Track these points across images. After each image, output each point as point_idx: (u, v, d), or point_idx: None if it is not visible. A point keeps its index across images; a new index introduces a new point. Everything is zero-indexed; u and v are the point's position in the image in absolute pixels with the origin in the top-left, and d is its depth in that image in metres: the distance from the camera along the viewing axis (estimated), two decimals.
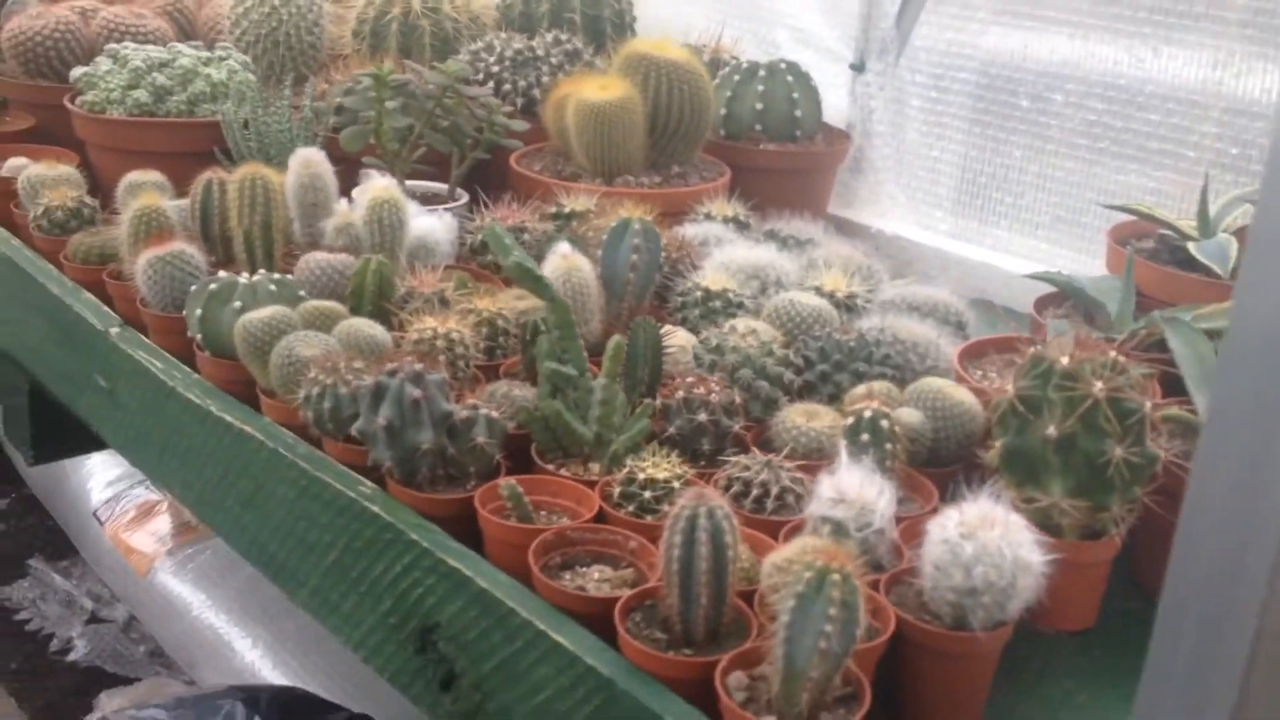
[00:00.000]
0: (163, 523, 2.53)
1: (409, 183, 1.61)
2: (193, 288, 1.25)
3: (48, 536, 2.82)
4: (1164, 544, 0.63)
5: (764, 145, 1.83)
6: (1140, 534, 1.03)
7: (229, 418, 1.17)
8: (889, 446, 1.05)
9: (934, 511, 0.98)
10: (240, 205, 1.36)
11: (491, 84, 1.84)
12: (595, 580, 0.95)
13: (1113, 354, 1.02)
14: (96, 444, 1.66)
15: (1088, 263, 1.76)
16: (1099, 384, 0.99)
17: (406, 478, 1.04)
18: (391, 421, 1.01)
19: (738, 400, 1.12)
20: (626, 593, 0.91)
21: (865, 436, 1.05)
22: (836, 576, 0.80)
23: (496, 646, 0.94)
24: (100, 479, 2.69)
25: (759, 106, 1.84)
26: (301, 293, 1.25)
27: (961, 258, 1.89)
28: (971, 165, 1.96)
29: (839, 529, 0.95)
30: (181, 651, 2.39)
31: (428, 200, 1.60)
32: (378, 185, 1.37)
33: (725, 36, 2.10)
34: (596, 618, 0.91)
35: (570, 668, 0.88)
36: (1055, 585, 0.91)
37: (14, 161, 1.63)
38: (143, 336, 1.32)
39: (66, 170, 1.57)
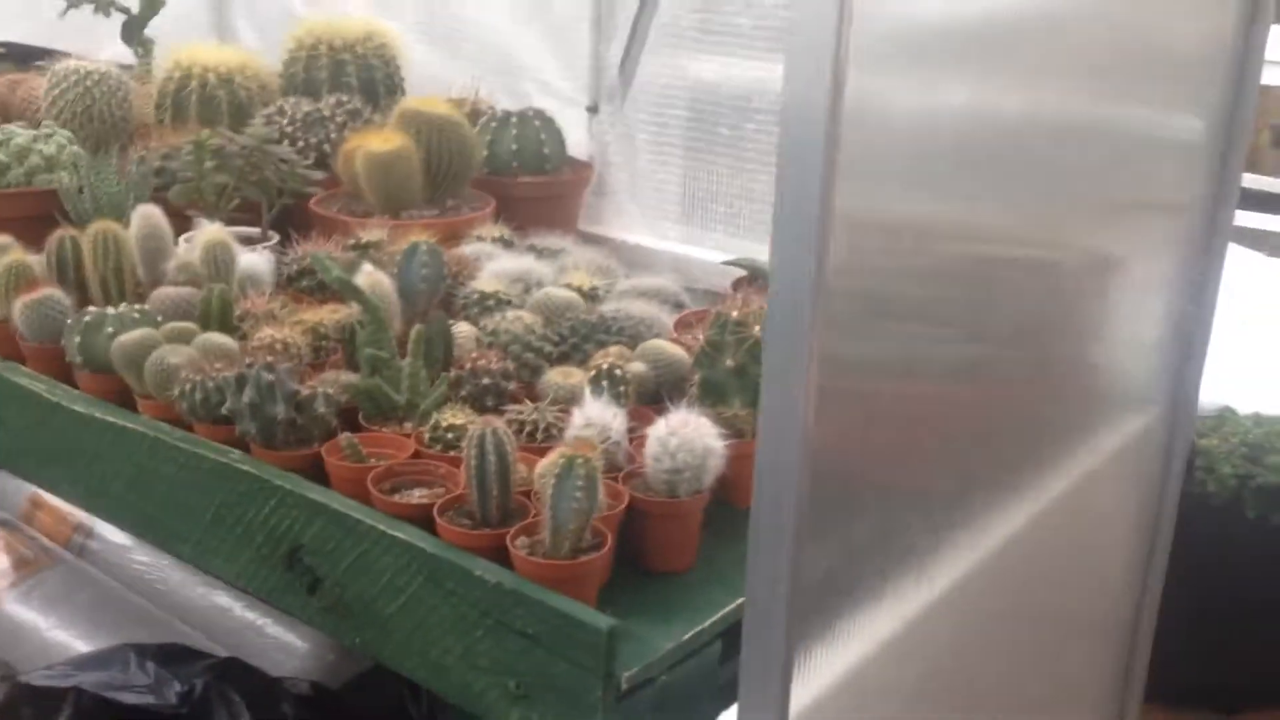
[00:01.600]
0: (0, 560, 2.73)
1: (228, 229, 1.94)
2: (69, 320, 1.56)
3: None
4: None
5: (521, 178, 2.24)
6: None
7: (113, 419, 1.49)
8: (621, 388, 1.46)
9: None
10: (95, 254, 1.67)
11: (287, 142, 2.18)
12: (417, 497, 1.32)
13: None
14: None
15: None
16: (758, 326, 1.43)
17: (267, 442, 1.39)
18: (253, 400, 1.36)
19: (511, 368, 1.52)
20: (440, 500, 1.29)
21: (604, 383, 1.46)
22: (581, 460, 1.20)
23: (348, 550, 1.30)
24: None
25: (514, 147, 2.25)
26: (159, 319, 1.58)
27: (686, 256, 2.33)
28: (690, 184, 2.42)
29: (590, 444, 1.35)
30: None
31: (246, 242, 1.93)
32: (209, 230, 1.71)
33: (482, 90, 2.50)
34: (420, 520, 1.28)
35: (404, 553, 1.25)
36: (738, 471, 1.33)
37: None
38: (21, 366, 1.61)
39: None
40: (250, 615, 2.32)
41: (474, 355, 1.51)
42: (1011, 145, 1.22)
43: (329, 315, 1.66)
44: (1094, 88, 1.35)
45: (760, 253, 2.29)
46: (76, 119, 2.13)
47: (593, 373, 1.47)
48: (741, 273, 1.89)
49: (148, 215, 1.73)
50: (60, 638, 2.50)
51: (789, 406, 0.95)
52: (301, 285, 1.83)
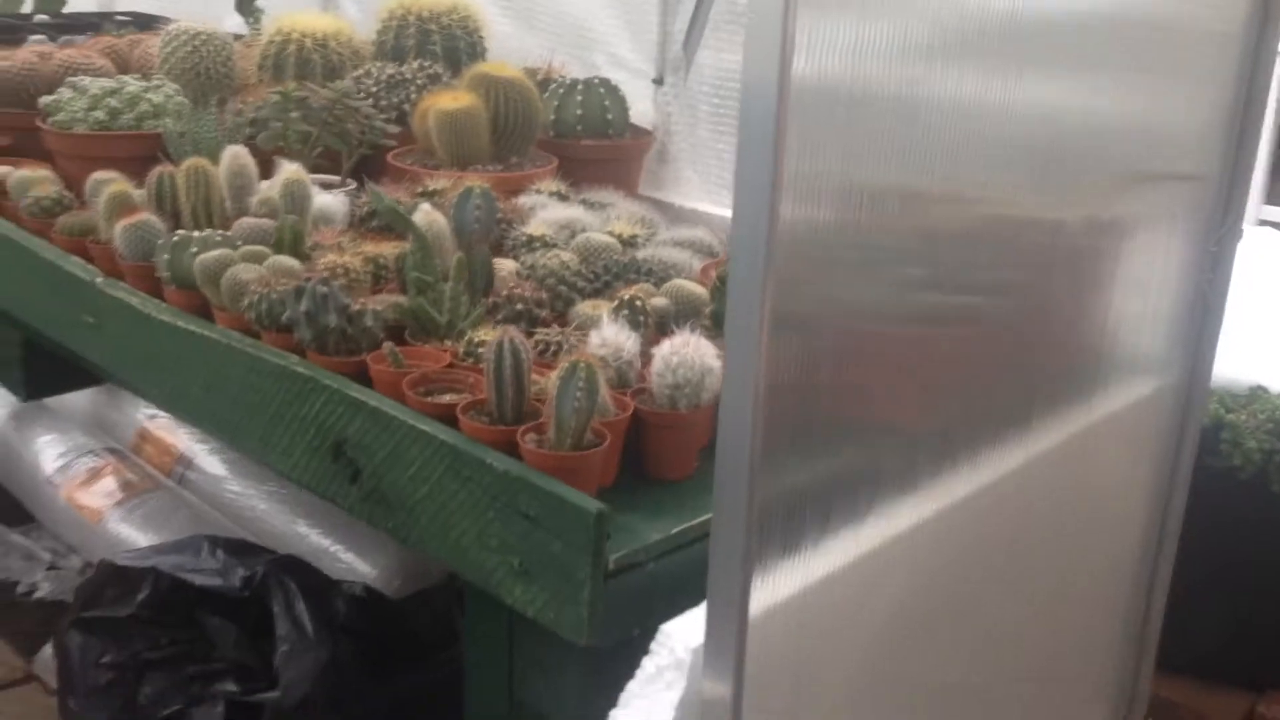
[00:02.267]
0: (109, 482, 2.98)
1: (311, 175, 2.13)
2: (160, 241, 1.76)
3: (5, 509, 3.24)
4: None
5: (584, 141, 2.39)
6: None
7: (193, 328, 1.68)
8: (641, 318, 1.61)
9: None
10: (188, 186, 1.87)
11: (371, 100, 2.37)
12: (447, 400, 1.49)
13: None
14: (75, 383, 2.15)
15: None
16: None
17: (320, 349, 1.56)
18: (309, 309, 1.54)
19: (545, 297, 1.67)
20: (464, 401, 1.45)
21: (625, 311, 1.61)
22: (584, 365, 1.35)
23: (384, 443, 1.46)
24: (50, 453, 3.13)
25: (579, 112, 2.40)
26: (239, 244, 1.77)
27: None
28: None
29: (603, 360, 1.50)
30: None
31: (325, 186, 2.12)
32: (289, 169, 1.89)
33: (556, 61, 2.67)
34: (447, 419, 1.44)
35: (430, 445, 1.42)
36: None
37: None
38: (121, 282, 1.82)
39: (44, 173, 2.06)
40: (325, 541, 2.52)
41: (512, 285, 1.67)
42: (996, 116, 1.33)
43: (389, 248, 1.83)
44: (1102, 56, 1.44)
45: None
46: (185, 74, 2.36)
47: (615, 303, 1.62)
48: None
49: (236, 154, 1.93)
50: None
51: (747, 339, 1.08)
52: (371, 225, 2.01)
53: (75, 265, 1.87)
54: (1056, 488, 1.66)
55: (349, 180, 2.18)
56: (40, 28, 3.13)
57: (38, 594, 2.90)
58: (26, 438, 3.18)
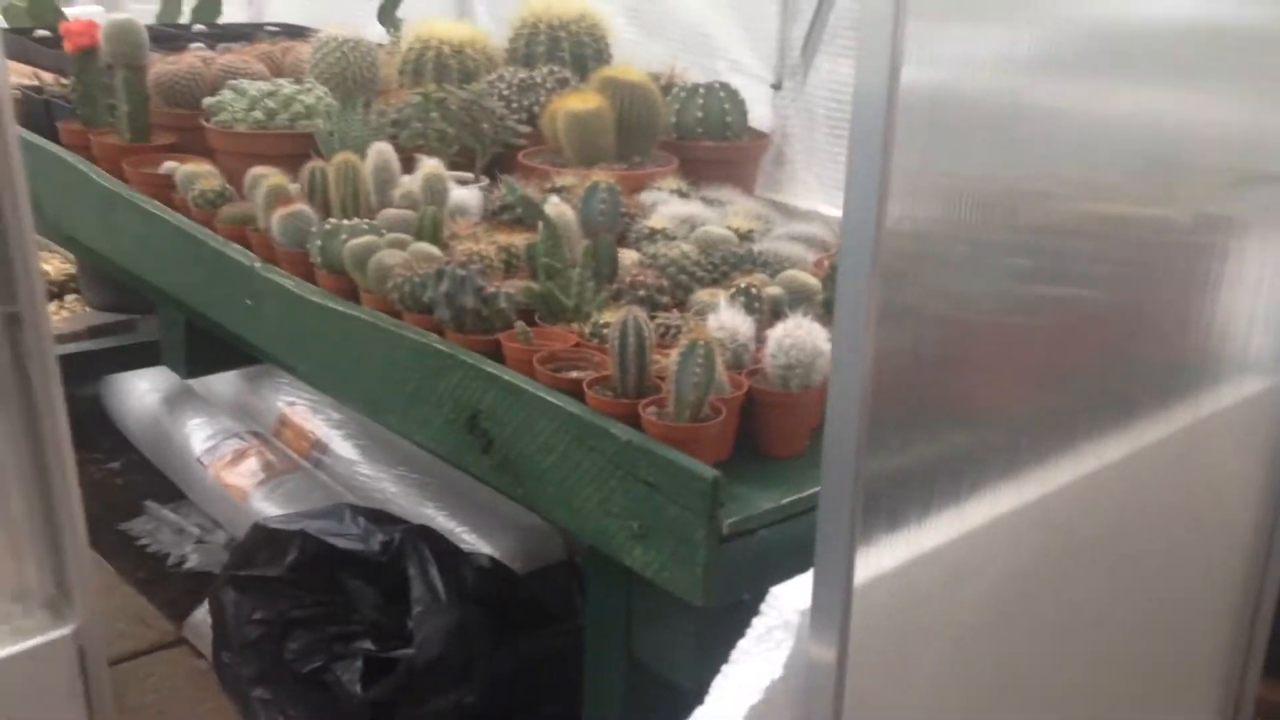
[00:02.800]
0: (253, 463, 3.17)
1: (448, 171, 2.27)
2: (313, 229, 1.91)
3: (157, 487, 3.47)
4: None
5: (703, 142, 2.50)
6: None
7: (342, 308, 1.83)
8: (756, 304, 1.70)
9: None
10: (338, 180, 2.02)
11: (503, 103, 2.51)
12: (573, 375, 1.60)
13: None
14: (231, 363, 2.32)
15: None
16: None
17: (458, 328, 1.69)
18: (448, 290, 1.67)
19: (665, 285, 1.78)
20: (590, 377, 1.56)
21: (741, 298, 1.70)
22: (702, 343, 1.45)
23: (515, 415, 1.58)
24: (199, 435, 3.35)
25: (700, 115, 2.51)
26: (384, 231, 1.91)
27: None
28: None
29: (720, 342, 1.60)
30: None
31: (461, 183, 2.26)
32: (429, 164, 2.04)
33: (678, 66, 2.77)
34: (573, 393, 1.55)
35: (558, 417, 1.53)
36: None
37: (168, 164, 2.30)
38: (277, 267, 1.98)
39: (208, 168, 2.24)
40: (451, 523, 2.66)
41: (634, 273, 1.78)
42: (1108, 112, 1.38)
43: (520, 239, 1.96)
44: (1207, 62, 1.49)
45: None
46: (334, 78, 2.53)
47: (732, 290, 1.71)
48: None
49: (381, 150, 2.08)
50: None
51: (855, 326, 1.16)
52: (503, 218, 2.14)
53: (236, 252, 2.04)
54: (1161, 483, 1.69)
55: (483, 176, 2.31)
56: (198, 36, 3.36)
57: (187, 565, 3.10)
58: (178, 420, 3.41)
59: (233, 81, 2.41)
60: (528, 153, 2.40)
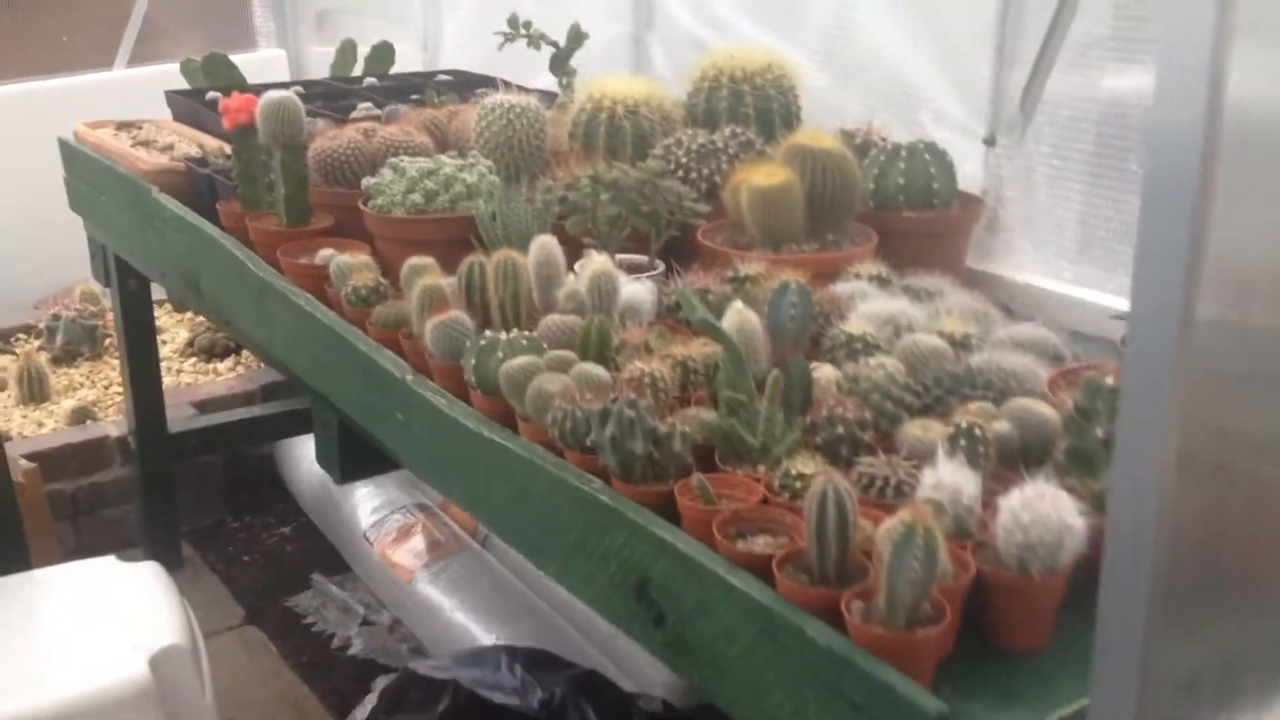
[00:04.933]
0: (419, 541, 3.04)
1: (618, 255, 2.05)
2: (467, 343, 1.71)
3: (324, 556, 3.39)
4: None
5: (905, 213, 2.20)
6: None
7: (497, 438, 1.62)
8: (980, 449, 1.41)
9: None
10: (496, 279, 1.82)
11: (680, 172, 2.27)
12: (760, 545, 1.35)
13: None
14: (386, 467, 2.15)
15: None
16: None
17: (625, 476, 1.46)
18: (615, 434, 1.43)
19: (868, 417, 1.50)
20: (781, 551, 1.30)
21: (962, 441, 1.41)
22: (922, 529, 1.17)
23: (691, 591, 1.34)
24: (366, 506, 3.24)
25: (901, 181, 2.21)
26: (544, 345, 1.70)
27: (1080, 300, 2.20)
28: (1091, 220, 2.29)
29: (938, 508, 1.32)
30: (437, 647, 2.88)
31: (632, 269, 2.03)
32: (596, 261, 1.81)
33: (876, 119, 2.48)
34: (760, 569, 1.30)
35: (742, 602, 1.28)
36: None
37: (324, 252, 2.14)
38: (429, 381, 1.79)
39: (364, 259, 2.08)
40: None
41: (832, 403, 1.51)
42: None
43: (699, 349, 1.71)
44: None
45: None
46: (499, 148, 2.34)
47: (951, 430, 1.43)
48: None
49: (544, 244, 1.86)
50: (460, 620, 2.75)
51: (1143, 475, 0.88)
52: (679, 316, 1.90)
53: (388, 360, 1.86)
54: None
55: (657, 262, 2.08)
56: (367, 93, 3.24)
57: (351, 650, 2.99)
58: (347, 489, 3.30)
59: (394, 159, 2.24)
60: (707, 230, 2.16)
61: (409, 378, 1.81)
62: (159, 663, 2.21)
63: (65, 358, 3.99)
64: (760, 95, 2.48)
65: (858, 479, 1.42)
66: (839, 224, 2.13)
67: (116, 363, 3.79)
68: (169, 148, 2.91)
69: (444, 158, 2.25)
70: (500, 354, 1.66)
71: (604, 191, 1.99)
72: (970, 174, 2.37)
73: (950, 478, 1.33)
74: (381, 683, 2.75)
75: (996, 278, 2.34)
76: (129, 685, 2.17)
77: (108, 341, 4.06)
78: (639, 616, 1.42)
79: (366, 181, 2.23)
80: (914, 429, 1.51)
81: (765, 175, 2.06)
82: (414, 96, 3.20)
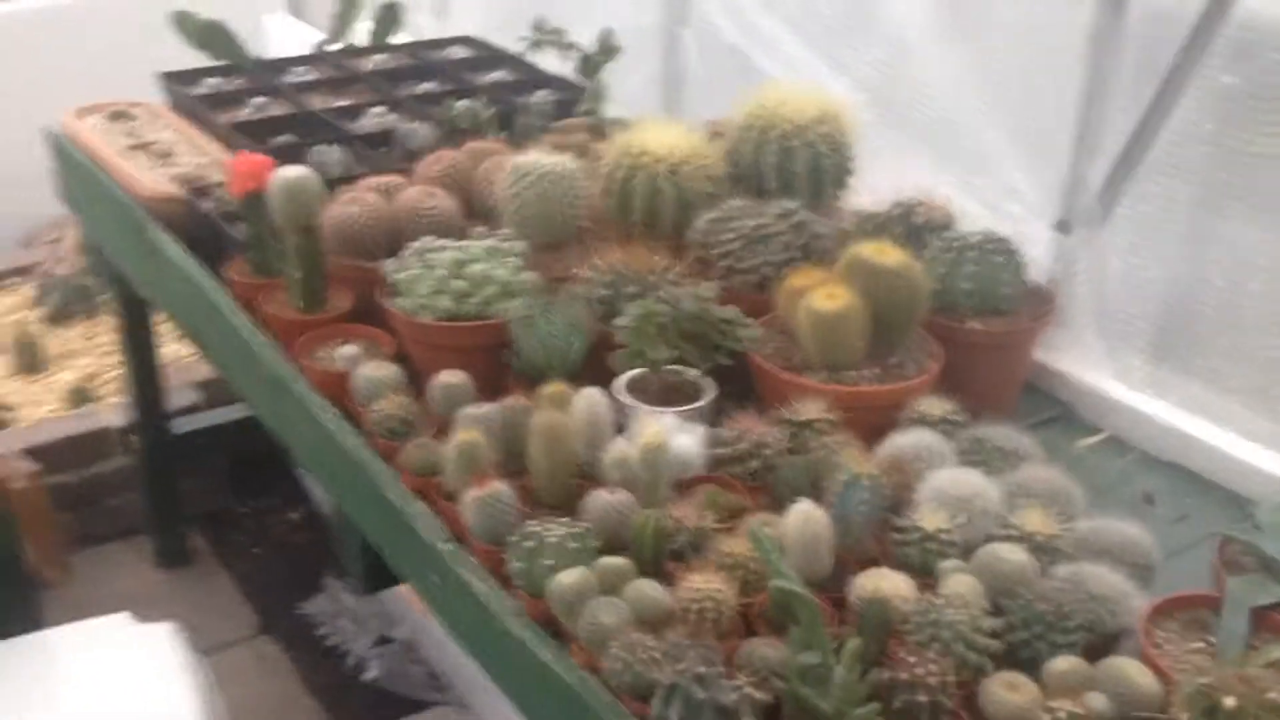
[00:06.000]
0: None
1: (664, 371, 1.89)
2: (510, 539, 1.58)
3: (336, 552, 3.30)
4: None
5: (971, 323, 2.04)
6: None
7: (547, 660, 1.50)
8: None
9: None
10: (540, 444, 1.68)
11: (729, 259, 2.10)
12: None
13: (1274, 696, 1.25)
14: None
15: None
16: None
17: None
18: (681, 715, 1.33)
19: (951, 680, 1.40)
20: None
21: None
22: None
23: None
24: None
25: (968, 286, 2.04)
26: (594, 543, 1.57)
27: (1150, 416, 2.07)
28: (1168, 321, 2.14)
29: None
30: (454, 677, 2.83)
31: (677, 393, 1.89)
32: (650, 431, 1.67)
33: (939, 184, 2.29)
34: None
35: None
36: None
37: (346, 351, 1.99)
38: (469, 557, 1.66)
39: (390, 371, 1.92)
40: None
41: (913, 660, 1.40)
42: None
43: (763, 522, 1.59)
44: None
45: (1258, 425, 1.99)
46: (531, 222, 2.16)
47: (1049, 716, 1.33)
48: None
49: (591, 403, 1.73)
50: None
51: None
52: (733, 470, 1.77)
53: (423, 519, 1.73)
54: None
55: (704, 383, 1.92)
56: (377, 79, 3.01)
57: (368, 674, 2.93)
58: None
59: (419, 244, 2.05)
60: (760, 338, 2.00)
61: (448, 550, 1.68)
62: None
63: (60, 318, 3.82)
64: (812, 153, 2.29)
65: None
66: (900, 341, 1.98)
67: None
68: (168, 155, 2.69)
69: (472, 244, 2.07)
70: (549, 561, 1.54)
71: (653, 330, 1.83)
72: (1035, 257, 2.20)
73: None
74: None
75: (1060, 374, 2.20)
76: None
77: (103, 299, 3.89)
78: None
79: (389, 266, 2.05)
80: (1000, 689, 1.41)
81: (826, 298, 1.90)
82: (427, 86, 2.98)
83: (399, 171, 2.40)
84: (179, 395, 3.39)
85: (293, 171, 2.05)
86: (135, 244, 2.52)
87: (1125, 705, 1.38)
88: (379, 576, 2.02)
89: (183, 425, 3.27)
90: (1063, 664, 1.43)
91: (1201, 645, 1.51)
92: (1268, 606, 1.53)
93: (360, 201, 2.17)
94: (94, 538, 3.39)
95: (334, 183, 2.31)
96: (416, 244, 2.06)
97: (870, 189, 2.36)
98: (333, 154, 2.48)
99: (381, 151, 2.65)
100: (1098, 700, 1.38)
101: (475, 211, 2.32)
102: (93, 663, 2.37)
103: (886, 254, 1.96)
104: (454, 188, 2.30)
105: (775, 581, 1.40)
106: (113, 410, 3.40)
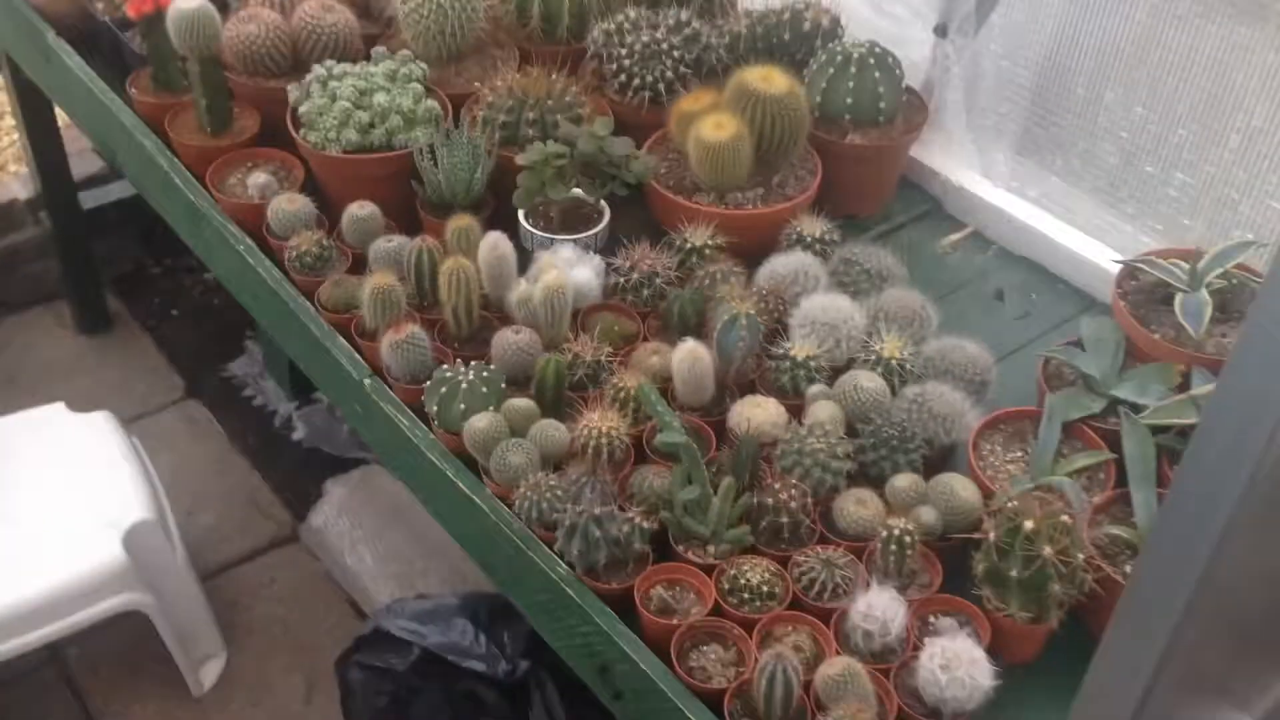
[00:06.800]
0: None
1: (559, 234, 2.02)
2: (427, 382, 1.77)
3: None
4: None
5: (851, 137, 2.18)
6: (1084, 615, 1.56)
7: (465, 487, 1.72)
8: (909, 553, 1.58)
9: (938, 591, 1.56)
10: (448, 289, 1.83)
11: (623, 76, 2.19)
12: (711, 660, 1.54)
13: (1064, 518, 1.52)
14: None
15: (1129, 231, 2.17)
16: (1048, 548, 1.50)
17: (588, 572, 1.61)
18: (581, 549, 1.57)
19: (810, 503, 1.65)
20: (733, 685, 1.50)
21: (893, 548, 1.58)
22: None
23: (650, 701, 1.54)
24: None
25: (849, 100, 2.17)
26: (502, 384, 1.76)
27: (1010, 215, 2.26)
28: (1033, 125, 2.30)
29: (868, 636, 1.52)
30: None
31: (576, 218, 2.03)
32: (550, 275, 1.83)
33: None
34: (714, 696, 1.50)
35: None
36: (1011, 638, 1.50)
37: (259, 179, 2.08)
38: (389, 392, 1.85)
39: (304, 205, 2.02)
40: None
41: (777, 487, 1.64)
42: None
43: (650, 357, 1.81)
44: None
45: (1106, 225, 2.19)
46: (433, 40, 2.20)
47: (882, 536, 1.59)
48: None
49: (495, 245, 1.86)
50: None
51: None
52: (628, 299, 1.94)
53: (344, 355, 1.89)
54: None
55: (601, 207, 2.06)
56: None
57: (295, 435, 3.13)
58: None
59: (321, 69, 2.10)
60: (652, 144, 2.13)
61: (367, 383, 1.86)
62: (131, 539, 2.38)
63: None
64: None
65: (799, 578, 1.59)
66: (784, 162, 2.12)
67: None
68: None
69: (373, 69, 2.12)
70: (462, 405, 1.73)
71: (550, 170, 1.94)
72: (914, 62, 2.31)
73: (881, 606, 1.52)
74: (331, 485, 2.95)
75: (932, 172, 2.36)
76: (108, 567, 2.35)
77: None
78: (600, 686, 1.63)
79: (293, 96, 2.11)
80: (850, 505, 1.66)
81: (715, 127, 2.02)
82: None
83: None
84: (83, 161, 3.39)
85: (190, 3, 2.05)
86: (34, 49, 2.50)
87: (951, 516, 1.65)
88: (306, 385, 2.20)
89: (91, 200, 3.30)
90: (902, 480, 1.68)
91: (1020, 455, 1.78)
92: (1080, 419, 1.78)
93: (258, 19, 2.19)
94: (13, 305, 3.48)
95: None
96: (318, 70, 2.11)
97: None
98: None
99: None
100: (928, 514, 1.64)
101: (374, 18, 2.34)
102: (41, 461, 2.53)
103: (772, 81, 2.07)
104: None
105: (661, 437, 1.62)
106: (18, 181, 3.41)
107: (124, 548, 2.36)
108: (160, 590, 2.45)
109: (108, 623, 2.40)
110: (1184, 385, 1.77)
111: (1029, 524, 1.52)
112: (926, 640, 1.50)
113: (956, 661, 1.45)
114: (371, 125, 2.06)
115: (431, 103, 2.10)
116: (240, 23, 2.19)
